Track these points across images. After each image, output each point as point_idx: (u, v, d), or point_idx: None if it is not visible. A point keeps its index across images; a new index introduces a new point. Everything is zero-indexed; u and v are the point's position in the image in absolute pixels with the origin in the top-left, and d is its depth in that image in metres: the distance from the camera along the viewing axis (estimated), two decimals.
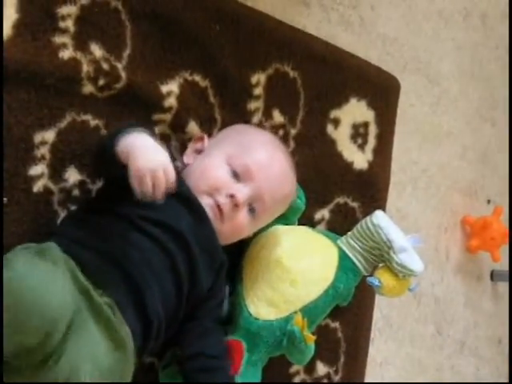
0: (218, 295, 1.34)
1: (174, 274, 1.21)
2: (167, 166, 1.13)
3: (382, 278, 1.46)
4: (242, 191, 1.29)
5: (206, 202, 1.28)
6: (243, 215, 1.31)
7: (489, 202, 2.18)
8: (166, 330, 1.23)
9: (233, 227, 1.31)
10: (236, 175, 1.31)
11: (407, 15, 1.92)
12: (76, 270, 1.10)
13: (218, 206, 1.28)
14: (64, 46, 1.24)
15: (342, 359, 1.67)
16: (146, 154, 1.13)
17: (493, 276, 2.19)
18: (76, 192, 1.27)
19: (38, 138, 1.23)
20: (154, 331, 1.19)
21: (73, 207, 1.27)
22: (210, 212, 1.28)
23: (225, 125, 1.45)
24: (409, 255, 1.44)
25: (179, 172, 1.29)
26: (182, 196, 1.25)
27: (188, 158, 1.37)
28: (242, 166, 1.31)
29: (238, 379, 1.37)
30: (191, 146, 1.39)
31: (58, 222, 1.25)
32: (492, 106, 2.17)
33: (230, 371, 1.33)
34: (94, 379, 1.06)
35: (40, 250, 1.09)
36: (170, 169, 1.14)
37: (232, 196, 1.28)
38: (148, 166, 1.11)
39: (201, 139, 1.38)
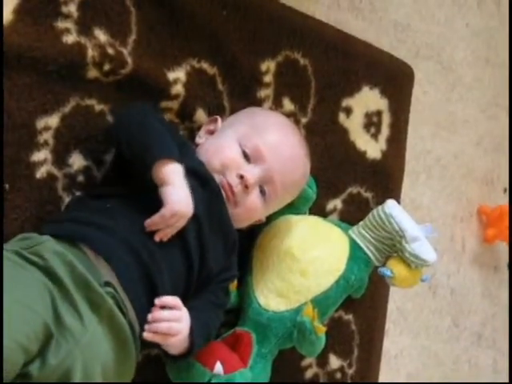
0: (226, 275, 1.32)
1: (185, 253, 1.19)
2: (189, 215, 1.17)
3: (394, 268, 1.44)
4: (252, 172, 1.28)
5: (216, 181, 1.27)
6: (255, 197, 1.30)
7: (505, 190, 2.14)
8: None
9: (245, 209, 1.29)
10: (247, 156, 1.29)
11: (419, 0, 1.89)
12: (74, 261, 1.09)
13: (229, 186, 1.26)
14: (67, 30, 1.23)
15: (356, 352, 1.65)
16: (180, 197, 1.15)
17: (510, 266, 2.16)
18: (81, 178, 1.26)
19: (40, 123, 1.22)
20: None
21: (77, 193, 1.26)
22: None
23: (234, 113, 1.42)
24: (421, 245, 1.42)
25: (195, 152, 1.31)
26: (197, 173, 1.23)
27: (200, 138, 1.36)
28: (252, 147, 1.29)
29: (247, 372, 1.35)
30: (204, 127, 1.38)
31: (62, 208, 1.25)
32: (508, 94, 2.13)
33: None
34: (101, 378, 1.07)
35: (29, 253, 1.09)
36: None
37: (242, 177, 1.27)
38: (179, 208, 1.14)
39: (214, 120, 1.37)
